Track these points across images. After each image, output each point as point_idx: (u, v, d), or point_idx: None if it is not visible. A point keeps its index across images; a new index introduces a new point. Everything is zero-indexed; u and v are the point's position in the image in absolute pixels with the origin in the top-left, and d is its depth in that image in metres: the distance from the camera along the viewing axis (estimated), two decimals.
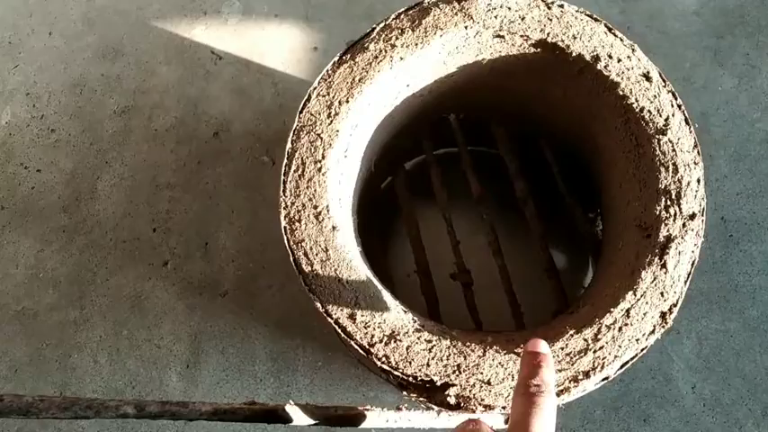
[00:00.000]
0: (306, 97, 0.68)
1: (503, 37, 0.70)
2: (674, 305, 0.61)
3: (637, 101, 0.66)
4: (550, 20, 0.69)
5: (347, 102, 0.67)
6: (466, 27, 0.69)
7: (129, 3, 1.21)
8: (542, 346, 0.49)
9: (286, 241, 0.65)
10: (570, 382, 0.60)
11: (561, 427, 0.94)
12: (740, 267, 1.00)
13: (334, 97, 0.68)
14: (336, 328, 0.62)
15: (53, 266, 1.05)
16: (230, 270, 1.04)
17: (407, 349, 0.61)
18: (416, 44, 0.69)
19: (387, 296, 0.64)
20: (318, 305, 0.63)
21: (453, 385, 0.60)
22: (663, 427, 0.93)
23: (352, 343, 0.62)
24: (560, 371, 0.60)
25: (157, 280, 1.04)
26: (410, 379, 0.61)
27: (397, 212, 0.95)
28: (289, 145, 0.67)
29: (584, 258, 0.97)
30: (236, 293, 1.02)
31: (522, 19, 0.69)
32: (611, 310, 0.61)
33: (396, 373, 0.61)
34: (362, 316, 0.62)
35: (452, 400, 0.60)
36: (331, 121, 0.67)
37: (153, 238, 1.06)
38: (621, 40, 0.69)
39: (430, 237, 0.92)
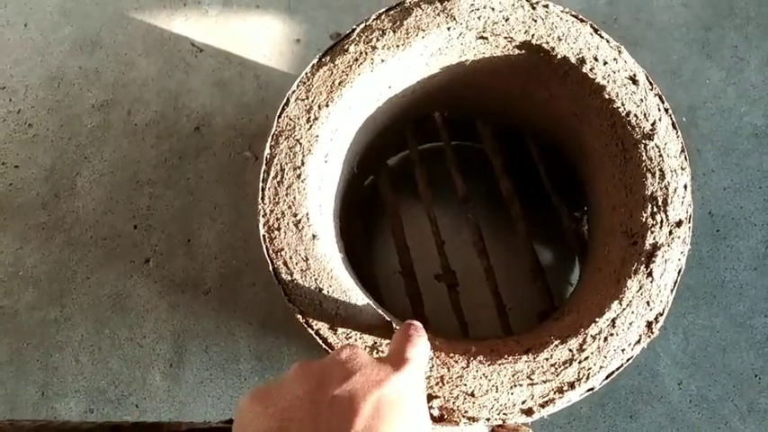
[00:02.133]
0: (284, 101, 0.66)
1: (486, 38, 0.68)
2: (660, 314, 0.60)
3: (623, 105, 0.65)
4: (535, 21, 0.67)
5: (327, 106, 0.66)
6: (449, 28, 0.67)
7: None
8: (416, 325, 0.52)
9: (265, 250, 0.63)
10: (555, 393, 0.59)
11: (548, 424, 0.94)
12: (727, 263, 0.99)
13: (313, 101, 0.66)
14: (317, 339, 0.61)
15: (33, 264, 1.03)
16: (213, 267, 1.02)
17: None
18: (398, 46, 0.67)
19: (369, 305, 0.63)
20: (299, 316, 0.62)
21: (436, 397, 0.59)
22: (649, 424, 0.93)
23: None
24: (545, 382, 0.59)
25: (139, 278, 1.02)
26: None
27: (381, 210, 0.94)
28: (267, 151, 0.65)
29: (570, 257, 0.96)
30: (220, 291, 1.01)
31: (506, 20, 0.67)
32: (597, 319, 0.60)
33: None
34: (344, 327, 0.61)
35: (435, 412, 0.59)
36: (310, 126, 0.65)
37: (134, 235, 1.04)
38: (608, 41, 0.67)
39: (415, 235, 0.90)
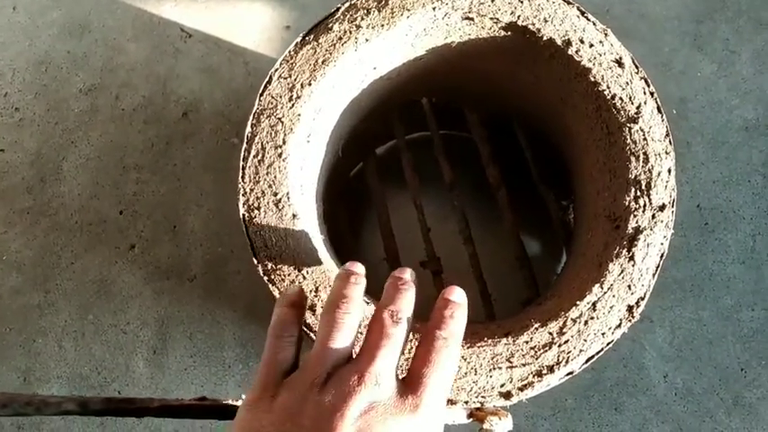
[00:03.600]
0: (267, 79, 0.66)
1: (472, 19, 0.67)
2: (642, 298, 0.60)
3: (608, 87, 0.64)
4: (521, 2, 0.66)
5: (310, 85, 0.65)
6: (434, 8, 0.66)
7: None
8: (457, 294, 0.49)
9: (245, 229, 0.63)
10: (534, 376, 0.59)
11: (532, 415, 0.93)
12: (715, 256, 0.99)
13: (296, 80, 0.65)
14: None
15: (17, 249, 1.03)
16: (199, 254, 1.02)
17: None
18: (382, 25, 0.66)
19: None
20: (278, 295, 0.61)
21: None
22: (634, 416, 0.92)
23: (312, 335, 0.60)
24: (524, 365, 0.59)
25: (124, 264, 1.01)
26: None
27: (368, 199, 0.93)
28: (248, 129, 0.65)
29: (557, 246, 0.96)
30: (205, 278, 1.00)
31: (493, 0, 0.66)
32: (578, 302, 0.60)
33: None
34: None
35: None
36: (292, 105, 0.65)
37: (119, 220, 1.03)
38: (594, 24, 0.67)
39: (401, 223, 0.90)
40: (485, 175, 0.89)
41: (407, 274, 0.50)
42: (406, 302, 0.47)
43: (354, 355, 0.45)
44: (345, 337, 0.44)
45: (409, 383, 0.43)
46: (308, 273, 0.61)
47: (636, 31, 1.09)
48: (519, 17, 0.66)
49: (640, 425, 0.92)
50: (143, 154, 1.06)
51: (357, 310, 0.46)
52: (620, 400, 0.93)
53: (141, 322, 0.99)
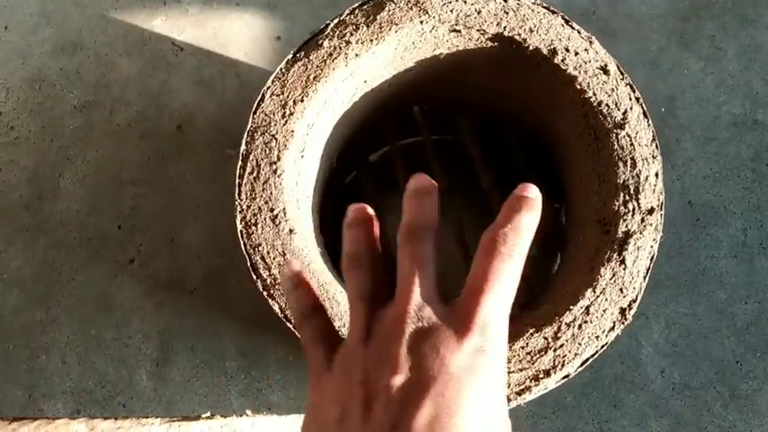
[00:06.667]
0: (259, 97, 0.67)
1: (459, 31, 0.68)
2: (634, 301, 0.61)
3: (594, 95, 0.65)
4: (507, 13, 0.68)
5: (302, 101, 0.66)
6: (421, 22, 0.68)
7: None
8: (530, 189, 0.39)
9: (243, 245, 0.64)
10: (531, 381, 0.60)
11: (533, 414, 0.94)
12: (707, 251, 1.00)
13: (288, 96, 0.66)
14: (296, 332, 0.62)
15: (17, 266, 1.03)
16: (198, 266, 1.02)
17: None
18: (371, 40, 0.67)
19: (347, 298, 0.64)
20: (277, 310, 0.62)
21: None
22: (633, 412, 0.94)
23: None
24: (521, 370, 0.60)
25: (124, 278, 1.02)
26: None
27: None
28: (243, 147, 0.66)
29: (550, 248, 0.97)
30: (205, 289, 1.01)
31: (479, 13, 0.68)
32: (571, 307, 0.61)
33: None
34: None
35: None
36: (286, 122, 0.66)
37: (118, 235, 1.04)
38: (579, 32, 0.68)
39: (397, 228, 0.91)
40: (478, 180, 0.90)
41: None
42: (425, 210, 0.40)
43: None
44: (372, 283, 0.40)
45: (461, 305, 0.37)
46: None
47: (622, 31, 1.10)
48: (505, 28, 0.67)
49: (639, 420, 0.94)
50: (139, 168, 1.07)
51: (374, 255, 0.41)
52: (618, 396, 0.94)
53: (143, 335, 1.00)
